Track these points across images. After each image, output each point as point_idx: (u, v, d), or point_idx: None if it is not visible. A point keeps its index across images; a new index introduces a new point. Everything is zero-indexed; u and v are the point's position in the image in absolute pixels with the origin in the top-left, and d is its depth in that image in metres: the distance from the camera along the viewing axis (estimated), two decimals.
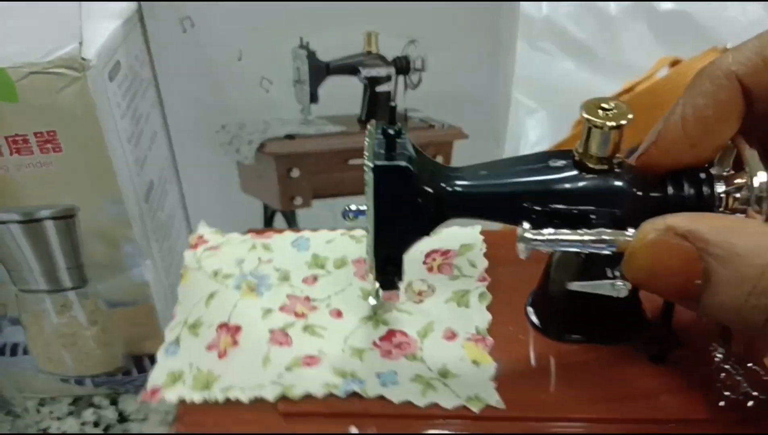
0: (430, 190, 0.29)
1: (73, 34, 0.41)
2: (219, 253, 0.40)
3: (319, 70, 0.54)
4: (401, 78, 0.55)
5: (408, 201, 0.29)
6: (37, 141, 0.44)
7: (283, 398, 0.31)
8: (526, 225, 0.29)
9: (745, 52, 0.27)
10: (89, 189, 0.46)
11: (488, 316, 0.34)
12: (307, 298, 0.37)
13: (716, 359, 0.32)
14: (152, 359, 0.56)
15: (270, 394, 0.31)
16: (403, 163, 0.28)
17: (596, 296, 0.29)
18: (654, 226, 0.25)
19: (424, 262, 0.38)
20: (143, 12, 0.51)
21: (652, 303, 0.33)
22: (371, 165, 0.28)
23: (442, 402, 0.30)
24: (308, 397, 0.31)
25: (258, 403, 0.31)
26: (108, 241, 0.49)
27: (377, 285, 0.32)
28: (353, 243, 0.39)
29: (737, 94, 0.27)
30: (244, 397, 0.31)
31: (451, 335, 0.34)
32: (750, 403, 0.30)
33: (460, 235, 0.40)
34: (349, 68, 0.54)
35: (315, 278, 0.38)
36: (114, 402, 0.58)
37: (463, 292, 0.36)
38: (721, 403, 0.30)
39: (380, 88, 0.55)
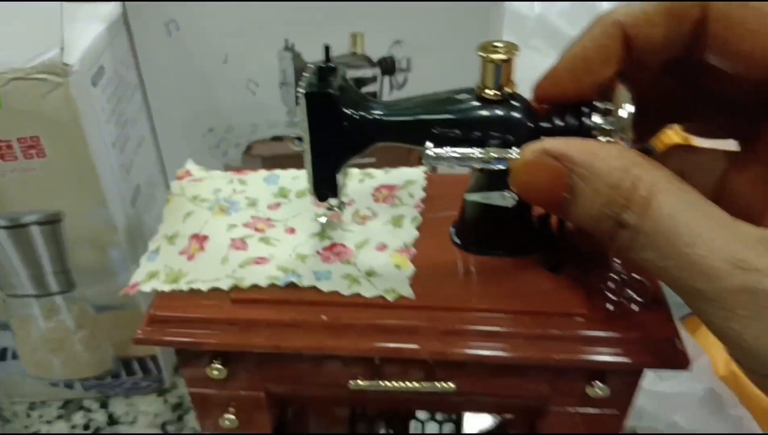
0: (354, 116, 0.34)
1: (54, 39, 0.41)
2: (200, 184, 0.45)
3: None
4: (387, 79, 0.55)
5: (335, 125, 0.34)
6: (20, 146, 0.43)
7: (235, 288, 0.36)
8: (429, 144, 0.33)
9: (634, 7, 0.30)
10: (74, 194, 0.46)
11: (416, 234, 0.40)
12: (269, 219, 0.42)
13: (609, 270, 0.36)
14: (141, 362, 0.56)
15: (225, 285, 0.36)
16: (329, 91, 0.33)
17: (498, 215, 0.36)
18: (532, 148, 0.29)
19: (373, 195, 0.44)
20: (128, 16, 0.51)
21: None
22: (303, 91, 0.33)
23: (363, 292, 0.36)
24: (255, 287, 0.36)
25: (215, 292, 0.36)
26: (94, 245, 0.49)
27: (328, 207, 0.38)
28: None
29: (618, 41, 0.30)
30: (204, 287, 0.36)
31: (383, 247, 0.39)
32: (633, 307, 0.35)
33: (407, 174, 0.45)
34: None
35: (278, 205, 0.43)
36: (104, 405, 0.58)
37: (399, 216, 0.41)
38: (609, 306, 0.35)
39: (366, 89, 0.55)
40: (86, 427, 0.56)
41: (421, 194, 0.43)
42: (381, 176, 0.45)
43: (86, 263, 0.50)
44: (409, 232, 0.40)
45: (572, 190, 0.26)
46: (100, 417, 0.57)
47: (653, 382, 0.52)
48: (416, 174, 0.45)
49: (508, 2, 0.72)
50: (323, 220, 0.40)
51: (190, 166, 0.47)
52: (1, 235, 0.48)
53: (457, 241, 0.39)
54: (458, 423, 0.48)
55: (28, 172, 0.45)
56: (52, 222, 0.48)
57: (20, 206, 0.46)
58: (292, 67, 0.53)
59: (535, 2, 0.92)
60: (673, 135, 0.64)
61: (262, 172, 0.46)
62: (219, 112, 0.56)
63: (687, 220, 0.24)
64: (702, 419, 0.51)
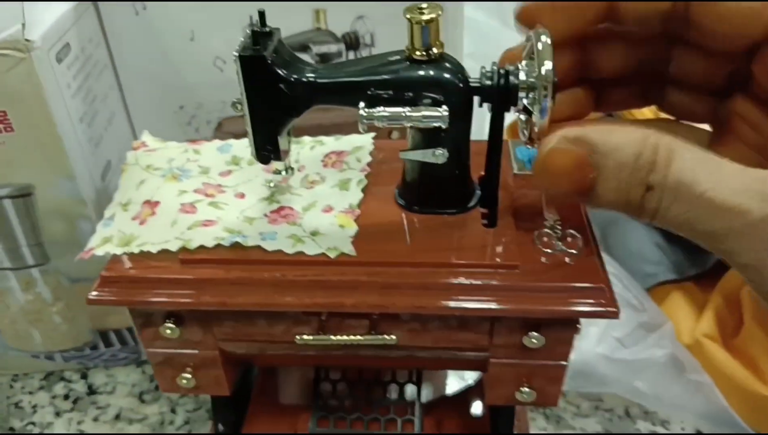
0: (289, 78, 0.35)
1: (15, 16, 0.43)
2: (155, 154, 0.46)
3: None
4: (351, 53, 0.56)
5: (270, 87, 0.35)
6: None
7: (183, 250, 0.37)
8: (362, 104, 0.34)
9: None
10: (42, 168, 0.48)
11: (361, 195, 0.41)
12: (219, 185, 0.43)
13: (543, 225, 0.38)
14: (118, 334, 0.58)
15: (173, 247, 0.38)
16: (261, 54, 0.34)
17: (435, 174, 0.37)
18: (550, 139, 0.29)
19: (322, 161, 0.45)
20: None
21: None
22: (236, 54, 0.34)
23: (306, 251, 0.37)
24: (202, 248, 0.37)
25: (164, 254, 0.38)
26: (65, 218, 0.51)
27: (277, 171, 0.41)
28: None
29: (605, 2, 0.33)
30: (154, 250, 0.38)
31: (329, 209, 0.40)
32: (566, 259, 0.36)
33: (355, 140, 0.46)
34: (299, 45, 0.55)
35: (230, 172, 0.44)
36: (84, 376, 0.60)
37: (346, 180, 0.43)
38: (542, 258, 0.36)
39: None
40: (66, 397, 0.58)
41: (368, 159, 0.44)
42: (331, 143, 0.46)
43: (59, 236, 0.51)
44: (355, 195, 0.41)
45: (597, 168, 0.28)
46: (80, 387, 0.59)
47: (615, 349, 0.53)
48: (365, 140, 0.46)
49: None
50: (272, 184, 0.41)
51: (146, 137, 0.48)
52: None
53: (401, 201, 0.41)
54: (419, 384, 0.50)
55: None
56: (24, 195, 0.49)
57: None
58: None
59: None
60: (647, 112, 0.64)
61: (217, 142, 0.47)
62: (189, 90, 0.57)
63: (706, 170, 0.26)
64: (663, 384, 0.52)
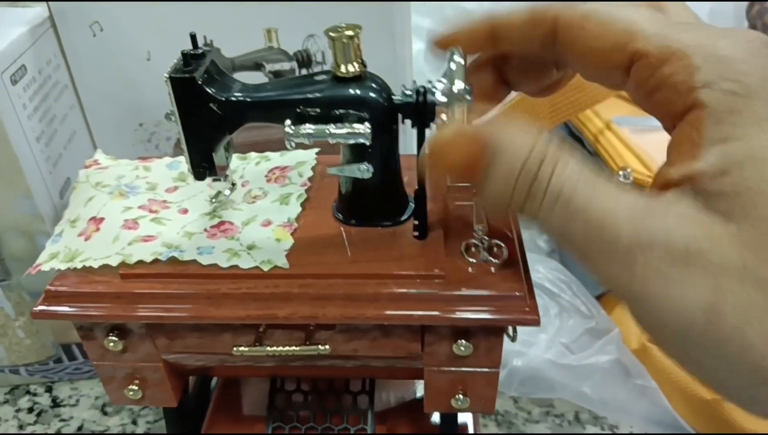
0: (219, 97, 0.36)
1: None
2: (105, 171, 0.47)
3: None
4: (304, 71, 0.57)
5: (201, 106, 0.36)
6: None
7: (123, 264, 0.39)
8: (288, 122, 0.36)
9: (511, 12, 0.34)
10: (0, 186, 0.49)
11: (299, 209, 0.42)
12: (164, 201, 0.44)
13: (471, 236, 0.39)
14: (81, 347, 0.59)
15: (113, 262, 0.39)
16: (189, 75, 0.35)
17: (367, 188, 0.39)
18: (447, 129, 0.30)
19: (266, 176, 0.46)
20: (54, 18, 0.54)
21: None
22: (167, 76, 0.35)
23: (241, 264, 0.38)
24: (140, 263, 0.39)
25: (106, 269, 0.39)
26: (24, 235, 0.52)
27: (218, 187, 0.42)
28: None
29: (486, 32, 0.34)
30: (95, 265, 0.39)
31: (267, 223, 0.41)
32: (491, 269, 0.37)
33: (299, 155, 0.48)
34: (253, 64, 0.57)
35: (176, 188, 0.46)
36: (49, 389, 0.61)
37: (287, 194, 0.44)
38: (468, 268, 0.37)
39: None
40: (31, 410, 0.59)
41: (310, 173, 0.46)
42: (276, 159, 0.48)
43: (19, 252, 0.53)
44: (294, 209, 0.42)
45: (488, 166, 0.28)
46: (44, 400, 0.60)
47: (562, 354, 0.55)
48: (308, 155, 0.48)
49: None
50: (213, 200, 0.43)
51: (98, 155, 0.49)
52: None
53: (338, 215, 0.42)
54: (371, 394, 0.51)
55: None
56: None
57: None
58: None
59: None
60: (593, 116, 0.66)
61: (167, 159, 0.49)
62: (148, 108, 0.58)
63: (585, 186, 0.26)
64: (609, 389, 0.54)
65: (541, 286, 0.60)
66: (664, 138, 0.29)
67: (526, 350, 0.55)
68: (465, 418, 0.52)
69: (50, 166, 0.53)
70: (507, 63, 0.37)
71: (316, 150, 0.48)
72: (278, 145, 0.49)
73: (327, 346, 0.39)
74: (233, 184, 0.43)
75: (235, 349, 0.39)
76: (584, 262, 0.27)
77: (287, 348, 0.39)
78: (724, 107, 0.25)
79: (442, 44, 0.35)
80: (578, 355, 0.54)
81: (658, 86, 0.27)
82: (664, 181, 0.27)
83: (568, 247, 0.27)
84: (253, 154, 0.48)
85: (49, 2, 0.53)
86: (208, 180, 0.42)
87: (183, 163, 0.48)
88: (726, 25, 0.94)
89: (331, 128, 0.35)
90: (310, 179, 0.45)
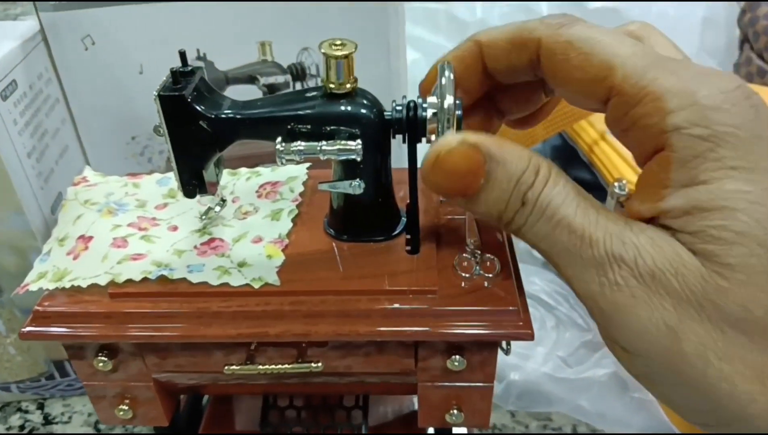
0: (208, 115, 0.36)
1: None
2: (94, 189, 0.47)
3: (218, 81, 0.56)
4: (298, 84, 0.57)
5: (191, 124, 0.36)
6: None
7: (112, 283, 0.38)
8: (279, 139, 0.35)
9: (495, 30, 0.34)
10: None
11: (290, 225, 0.42)
12: (154, 218, 0.44)
13: (463, 250, 0.39)
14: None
15: (102, 281, 0.38)
16: (180, 93, 0.35)
17: (359, 203, 0.39)
18: (449, 139, 0.30)
19: (257, 191, 0.46)
20: (45, 32, 0.54)
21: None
22: (155, 94, 0.35)
23: (231, 282, 0.38)
24: (130, 282, 0.38)
25: (94, 288, 0.38)
26: (16, 251, 0.51)
27: (207, 207, 0.42)
28: None
29: (476, 58, 0.35)
30: (84, 284, 0.38)
31: (258, 240, 0.41)
32: (484, 283, 0.37)
33: (290, 170, 0.48)
34: (247, 77, 0.57)
35: (166, 205, 0.45)
36: (41, 406, 0.60)
37: (278, 210, 0.44)
38: (461, 283, 0.37)
39: None
40: (22, 428, 0.59)
41: (301, 189, 0.45)
42: (267, 174, 0.47)
43: (11, 268, 0.52)
44: (285, 224, 0.42)
45: (488, 175, 0.29)
46: (35, 418, 0.59)
47: (559, 368, 0.54)
48: (299, 170, 0.47)
49: (447, 6, 0.75)
50: (204, 217, 0.43)
51: (87, 172, 0.49)
52: None
53: (330, 230, 0.42)
54: (365, 409, 0.50)
55: None
56: None
57: None
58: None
59: (477, 5, 0.94)
60: (587, 127, 0.66)
61: (156, 175, 0.48)
62: (140, 121, 0.58)
63: (574, 200, 0.28)
64: (606, 402, 0.53)
65: (537, 299, 0.59)
66: None
67: (523, 364, 0.55)
68: (460, 431, 0.51)
69: (42, 181, 0.52)
70: (498, 91, 0.37)
71: (307, 165, 0.48)
72: (270, 159, 0.49)
73: (319, 364, 0.38)
74: (223, 200, 0.43)
75: (226, 368, 0.39)
76: (563, 270, 0.28)
77: (279, 366, 0.38)
78: (691, 152, 0.26)
79: (434, 76, 0.35)
80: (575, 369, 0.54)
81: (632, 125, 0.28)
82: (635, 215, 0.28)
83: (548, 255, 0.29)
84: (243, 170, 0.48)
85: (40, 15, 0.53)
86: (199, 196, 0.42)
87: (173, 179, 0.47)
88: (719, 32, 0.94)
89: (323, 145, 0.35)
90: (301, 194, 0.45)
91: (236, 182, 0.47)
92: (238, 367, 0.38)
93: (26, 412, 0.60)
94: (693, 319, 0.25)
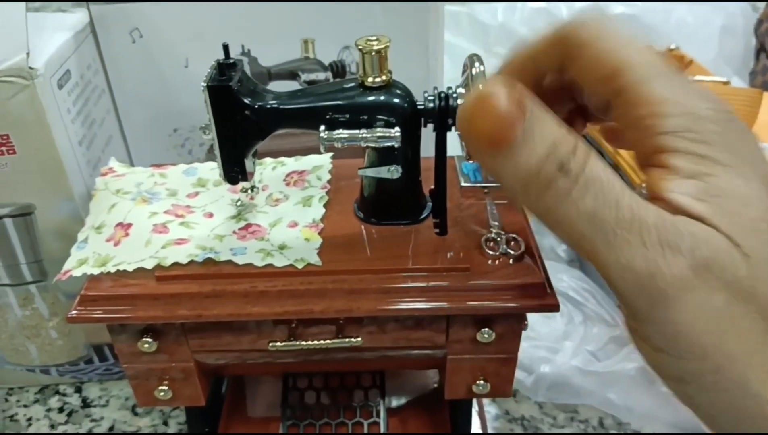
0: (253, 105, 0.38)
1: (20, 46, 0.45)
2: (123, 179, 0.48)
3: (261, 76, 0.58)
4: None
5: (236, 114, 0.38)
6: None
7: (158, 267, 0.40)
8: (322, 127, 0.38)
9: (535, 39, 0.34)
10: (43, 189, 0.50)
11: (323, 211, 0.44)
12: (188, 206, 0.46)
13: (488, 231, 0.42)
14: (112, 348, 0.60)
15: (148, 265, 0.40)
16: (227, 84, 0.37)
17: (390, 188, 0.41)
18: (499, 83, 0.28)
19: (284, 180, 0.48)
20: (95, 24, 0.55)
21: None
22: (204, 85, 0.37)
23: (275, 263, 0.39)
24: (176, 265, 0.40)
25: (140, 272, 0.40)
26: (63, 237, 0.53)
27: (240, 193, 0.44)
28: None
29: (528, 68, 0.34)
30: (130, 268, 0.40)
31: (294, 224, 0.43)
32: (510, 260, 0.40)
33: (315, 160, 0.50)
34: (289, 73, 0.58)
35: (197, 193, 0.47)
36: (78, 390, 0.62)
37: (308, 196, 0.46)
38: (488, 261, 0.40)
39: None
40: (61, 410, 0.60)
41: (328, 177, 0.48)
42: (292, 163, 0.50)
43: (57, 254, 0.54)
44: (318, 210, 0.44)
45: (526, 131, 0.27)
46: (74, 401, 0.61)
47: (589, 362, 0.56)
48: (323, 159, 0.50)
49: (469, 9, 0.76)
50: (239, 203, 0.44)
51: (113, 163, 0.50)
52: None
53: (360, 214, 0.44)
54: (382, 388, 0.53)
55: (0, 168, 0.49)
56: (24, 214, 0.52)
57: None
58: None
59: (498, 9, 0.95)
60: None
61: (182, 166, 0.50)
62: (183, 113, 0.60)
63: (620, 181, 0.27)
64: (634, 396, 0.55)
65: (565, 295, 0.61)
66: None
67: (553, 357, 0.56)
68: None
69: (90, 169, 0.53)
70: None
71: (330, 154, 0.50)
72: (288, 155, 0.51)
73: (359, 338, 0.40)
74: (254, 188, 0.44)
75: (271, 344, 0.40)
76: (602, 256, 0.27)
77: (321, 341, 0.40)
78: (691, 152, 0.27)
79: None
80: (604, 363, 0.55)
81: (633, 125, 0.29)
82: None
83: (583, 238, 0.27)
84: (268, 160, 0.50)
85: (90, 8, 0.54)
86: (227, 185, 0.45)
87: (198, 169, 0.50)
88: (736, 41, 0.96)
89: (364, 133, 0.37)
90: (329, 182, 0.47)
91: (263, 171, 0.49)
92: (282, 344, 0.40)
93: (64, 394, 0.61)
94: (741, 315, 0.25)
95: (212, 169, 0.50)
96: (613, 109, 0.30)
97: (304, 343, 0.40)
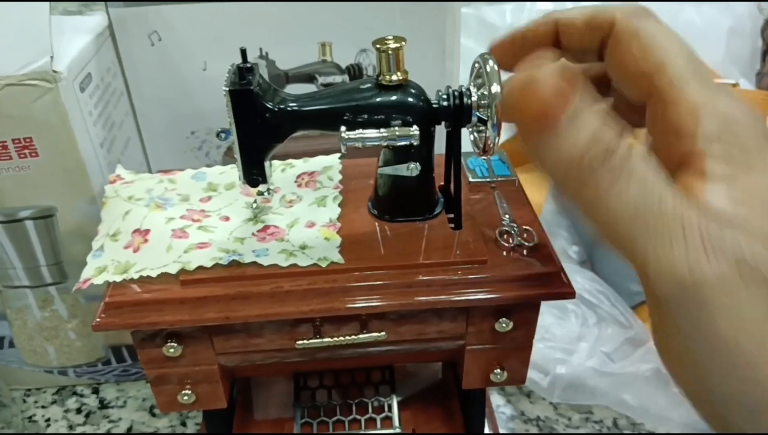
0: (274, 108, 0.38)
1: (44, 49, 0.46)
2: (132, 186, 0.49)
3: (279, 79, 0.58)
4: None
5: (257, 117, 0.38)
6: (15, 147, 0.48)
7: (182, 271, 0.40)
8: (343, 128, 0.38)
9: (574, 11, 0.35)
10: (65, 191, 0.51)
11: (338, 210, 0.45)
12: (203, 211, 0.46)
13: (501, 225, 0.43)
14: (130, 350, 0.60)
15: (172, 270, 0.40)
16: (248, 88, 0.37)
17: (405, 185, 0.42)
18: (552, 66, 0.29)
19: (295, 181, 0.49)
20: (114, 27, 0.56)
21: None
22: (226, 89, 0.37)
23: (299, 263, 0.40)
24: (200, 268, 0.40)
25: (163, 277, 0.40)
26: (84, 239, 0.53)
27: (257, 195, 0.44)
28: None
29: (550, 31, 0.35)
30: (154, 274, 0.40)
31: (311, 225, 0.44)
32: (524, 253, 0.41)
33: (324, 161, 0.50)
34: (306, 76, 0.59)
35: (209, 198, 0.47)
36: (96, 391, 0.62)
37: (322, 197, 0.46)
38: (504, 253, 0.41)
39: None
40: (79, 410, 0.60)
41: (339, 177, 0.49)
42: (301, 165, 0.50)
43: (77, 256, 0.54)
44: (333, 210, 0.45)
45: (575, 110, 0.27)
46: (91, 402, 0.61)
47: (604, 363, 0.56)
48: (332, 160, 0.50)
49: (477, 10, 0.77)
50: (255, 205, 0.45)
51: (120, 170, 0.51)
52: None
53: (374, 212, 0.45)
54: (392, 383, 0.54)
55: (22, 171, 0.49)
56: (45, 217, 0.52)
57: (15, 202, 0.51)
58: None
59: (507, 9, 0.96)
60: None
61: (189, 171, 0.50)
62: (200, 116, 0.60)
63: (660, 168, 0.27)
64: (649, 397, 0.55)
65: (579, 297, 0.61)
66: None
67: (569, 358, 0.57)
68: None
69: (111, 171, 0.54)
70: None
71: (338, 155, 0.51)
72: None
73: (383, 332, 0.41)
74: (268, 190, 0.45)
75: (298, 343, 0.41)
76: (639, 245, 0.26)
77: (346, 337, 0.41)
78: (724, 154, 0.27)
79: (507, 45, 0.37)
80: (619, 364, 0.56)
81: (667, 123, 0.29)
82: None
83: (622, 225, 0.27)
84: (276, 162, 0.50)
85: (109, 10, 0.55)
86: (240, 188, 0.46)
87: (207, 173, 0.50)
88: (744, 42, 0.96)
89: (383, 132, 0.38)
90: (340, 182, 0.48)
91: (272, 174, 0.49)
92: (309, 342, 0.41)
93: (81, 395, 0.62)
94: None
95: (221, 174, 0.50)
96: (649, 105, 0.31)
97: (331, 339, 0.41)
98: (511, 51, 0.36)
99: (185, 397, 0.43)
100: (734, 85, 0.78)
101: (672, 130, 0.29)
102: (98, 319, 0.39)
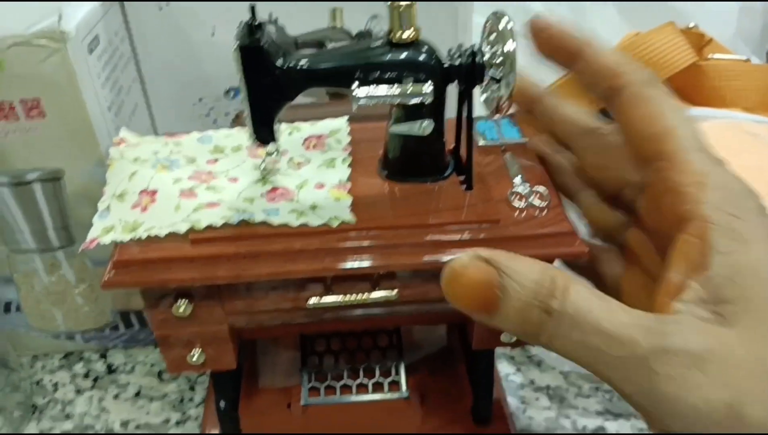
0: (284, 66, 0.38)
1: (52, 9, 0.45)
2: (138, 148, 0.48)
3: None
4: None
5: (267, 74, 0.38)
6: (22, 107, 0.48)
7: (192, 230, 0.39)
8: (355, 84, 0.38)
9: (609, 51, 0.38)
10: (73, 153, 0.50)
11: (348, 171, 0.45)
12: (210, 172, 0.46)
13: (512, 185, 0.43)
14: (139, 315, 0.60)
15: (182, 229, 0.39)
16: (258, 44, 0.37)
17: (416, 145, 0.42)
18: (466, 255, 0.31)
19: (303, 144, 0.49)
20: None
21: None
22: (236, 46, 0.37)
23: (310, 222, 0.40)
24: (210, 227, 0.40)
25: (173, 235, 0.39)
26: (92, 202, 0.52)
27: (265, 157, 0.44)
28: (247, 135, 0.47)
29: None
30: (162, 233, 0.40)
31: (321, 186, 0.43)
32: (536, 213, 0.41)
33: (331, 124, 0.50)
34: (316, 42, 0.58)
35: (216, 160, 0.47)
36: (103, 356, 0.62)
37: (331, 159, 0.46)
38: (515, 214, 0.41)
39: None
40: (86, 375, 0.60)
41: (347, 139, 0.48)
42: (307, 128, 0.50)
43: (84, 219, 0.53)
44: (343, 171, 0.45)
45: (503, 289, 0.29)
46: (99, 367, 0.61)
47: None
48: (340, 123, 0.50)
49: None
50: (263, 166, 0.45)
51: (124, 133, 0.50)
52: (4, 192, 0.52)
53: (384, 173, 0.45)
54: (400, 347, 0.54)
55: (29, 133, 0.49)
56: (53, 179, 0.52)
57: (22, 164, 0.51)
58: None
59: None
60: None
61: (195, 134, 0.50)
62: (209, 83, 0.60)
63: (598, 303, 0.29)
64: None
65: None
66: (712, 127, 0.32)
67: None
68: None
69: (118, 135, 0.53)
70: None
71: (346, 117, 0.50)
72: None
73: (395, 291, 0.41)
74: (277, 151, 0.45)
75: (312, 300, 0.41)
76: (603, 374, 0.28)
77: (359, 296, 0.41)
78: (726, 225, 0.29)
79: (546, 33, 0.38)
80: None
81: (669, 189, 0.32)
82: (676, 287, 0.30)
83: (584, 362, 0.28)
84: (283, 125, 0.50)
85: None
86: (247, 150, 0.46)
87: (213, 136, 0.50)
88: (754, 19, 0.96)
89: (396, 89, 0.38)
90: (349, 144, 0.48)
91: (279, 137, 0.48)
92: (320, 301, 0.41)
93: (89, 361, 0.62)
94: (751, 383, 0.26)
95: (227, 136, 0.50)
96: (653, 170, 0.33)
97: (344, 297, 0.41)
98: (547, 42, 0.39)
99: (194, 357, 0.43)
100: (745, 62, 0.78)
101: (675, 192, 0.32)
102: (107, 277, 0.39)
